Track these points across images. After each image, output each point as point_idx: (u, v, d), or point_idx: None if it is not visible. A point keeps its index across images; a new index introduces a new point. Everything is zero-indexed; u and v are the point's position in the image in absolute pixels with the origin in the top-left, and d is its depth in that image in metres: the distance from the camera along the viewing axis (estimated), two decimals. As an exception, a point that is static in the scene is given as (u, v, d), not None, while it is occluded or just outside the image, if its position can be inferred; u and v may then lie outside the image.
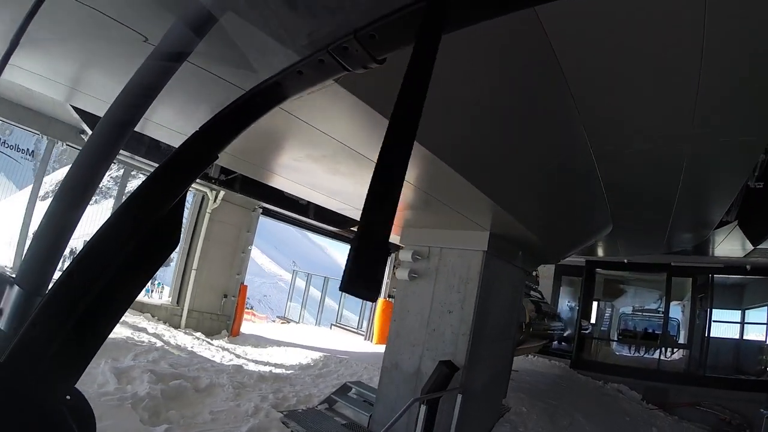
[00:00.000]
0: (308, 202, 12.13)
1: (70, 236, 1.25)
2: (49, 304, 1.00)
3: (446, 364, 7.15)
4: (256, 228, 15.06)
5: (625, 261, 15.69)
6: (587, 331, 16.82)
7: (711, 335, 14.57)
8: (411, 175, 4.82)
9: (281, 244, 71.89)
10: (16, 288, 1.17)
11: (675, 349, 15.55)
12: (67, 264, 1.08)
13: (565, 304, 18.47)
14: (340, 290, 0.72)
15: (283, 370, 10.33)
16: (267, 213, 15.06)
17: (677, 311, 16.63)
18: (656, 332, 16.05)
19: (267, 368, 10.16)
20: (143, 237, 1.10)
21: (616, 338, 17.02)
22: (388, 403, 7.84)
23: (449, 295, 7.89)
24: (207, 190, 13.20)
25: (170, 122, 4.53)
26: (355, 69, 1.07)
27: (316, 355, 12.57)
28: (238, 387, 8.20)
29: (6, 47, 1.39)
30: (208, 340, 12.14)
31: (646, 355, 15.82)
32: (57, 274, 1.14)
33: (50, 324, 0.98)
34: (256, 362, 10.75)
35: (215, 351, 10.97)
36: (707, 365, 14.34)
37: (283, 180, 6.60)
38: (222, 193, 13.19)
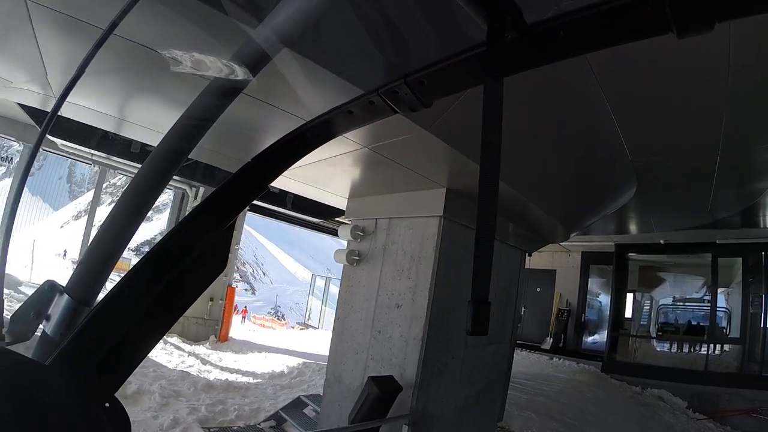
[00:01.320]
0: (284, 192, 11.28)
1: (122, 252, 1.28)
2: (98, 315, 1.03)
3: (381, 382, 5.02)
4: (243, 226, 14.68)
5: (662, 242, 13.28)
6: (620, 329, 14.31)
7: (768, 326, 11.99)
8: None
9: (317, 251, 71.33)
10: (65, 297, 1.18)
11: (725, 345, 12.86)
12: (116, 278, 1.13)
13: (595, 298, 16.00)
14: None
15: (248, 379, 9.42)
16: (255, 210, 13.94)
17: (727, 300, 13.97)
18: (702, 325, 13.47)
19: (226, 376, 9.26)
20: (194, 257, 1.15)
21: (654, 335, 14.39)
22: (333, 425, 6.13)
23: (397, 283, 5.86)
24: (186, 187, 12.51)
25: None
26: (403, 111, 1.12)
27: (297, 361, 11.45)
28: (169, 396, 7.30)
29: (66, 83, 1.56)
30: (179, 344, 11.24)
31: (691, 353, 13.23)
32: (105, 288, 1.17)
33: (97, 334, 1.01)
34: (222, 369, 9.89)
35: (178, 356, 10.09)
36: (765, 362, 11.69)
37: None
38: (202, 189, 12.40)
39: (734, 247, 12.47)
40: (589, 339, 15.54)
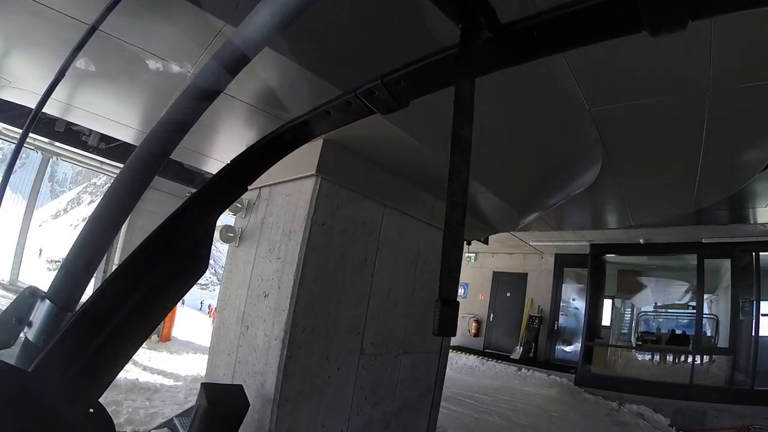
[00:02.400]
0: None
1: (102, 257, 1.24)
2: (79, 320, 1.02)
3: (216, 393, 3.50)
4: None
5: (642, 241, 11.77)
6: (596, 338, 12.74)
7: (760, 335, 10.41)
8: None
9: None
10: (47, 302, 1.15)
11: (713, 356, 11.26)
12: (97, 283, 1.17)
13: (570, 304, 14.43)
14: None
15: (166, 380, 8.41)
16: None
17: (715, 306, 12.41)
18: (687, 334, 11.90)
19: (140, 376, 8.16)
20: (174, 261, 1.14)
21: (634, 345, 12.77)
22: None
23: (267, 265, 4.42)
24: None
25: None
26: (381, 112, 1.11)
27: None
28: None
29: (50, 81, 1.52)
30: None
31: (674, 365, 11.65)
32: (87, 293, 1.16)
33: (79, 339, 1.00)
34: (144, 369, 8.96)
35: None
36: (757, 375, 10.16)
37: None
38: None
39: (722, 247, 10.99)
40: (563, 348, 13.95)
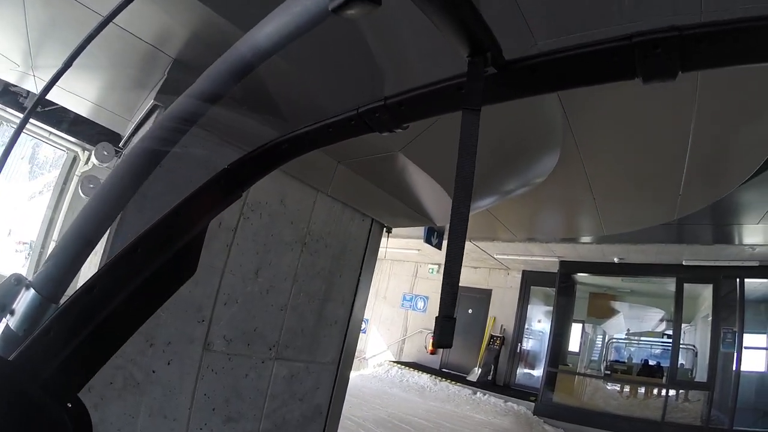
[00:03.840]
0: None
1: (92, 251, 1.17)
2: (65, 313, 1.02)
3: None
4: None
5: (616, 260, 10.46)
6: (561, 365, 11.33)
7: (742, 369, 9.10)
8: None
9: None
10: (32, 292, 1.09)
11: (689, 390, 9.86)
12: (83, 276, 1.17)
13: (536, 326, 13.02)
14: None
15: None
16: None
17: (693, 335, 11.03)
18: (661, 365, 10.54)
19: None
20: (163, 262, 1.14)
21: (602, 374, 11.32)
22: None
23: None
24: (79, 149, 9.42)
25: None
26: (379, 131, 1.12)
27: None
28: None
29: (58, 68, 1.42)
30: None
31: (646, 399, 10.25)
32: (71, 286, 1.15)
33: (63, 333, 0.99)
34: None
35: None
36: (737, 412, 8.90)
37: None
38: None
39: (704, 270, 9.71)
40: (525, 373, 12.52)
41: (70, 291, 1.08)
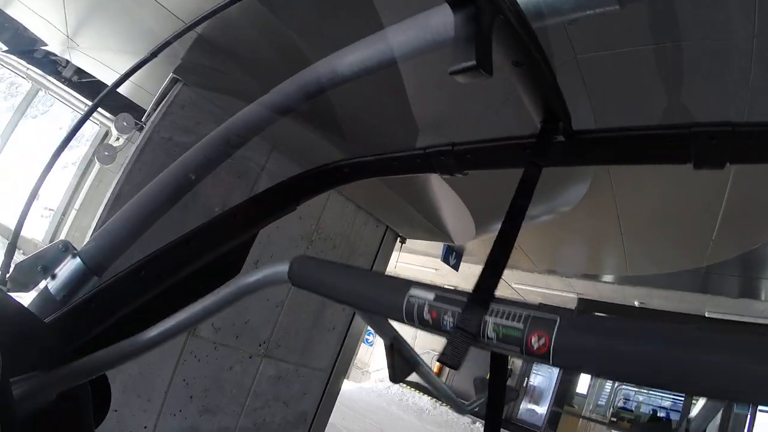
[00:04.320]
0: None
1: (144, 232, 1.21)
2: (110, 288, 1.04)
3: None
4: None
5: (636, 304, 10.03)
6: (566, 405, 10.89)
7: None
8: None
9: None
10: (77, 260, 1.10)
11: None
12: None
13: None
14: None
15: None
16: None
17: None
18: (670, 418, 10.07)
19: None
20: (211, 259, 1.17)
21: (607, 420, 10.83)
22: None
23: None
24: (111, 124, 9.55)
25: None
26: (442, 173, 1.16)
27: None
28: None
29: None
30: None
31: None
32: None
33: (103, 307, 1.02)
34: None
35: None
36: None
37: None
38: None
39: (726, 322, 9.25)
40: (528, 409, 12.07)
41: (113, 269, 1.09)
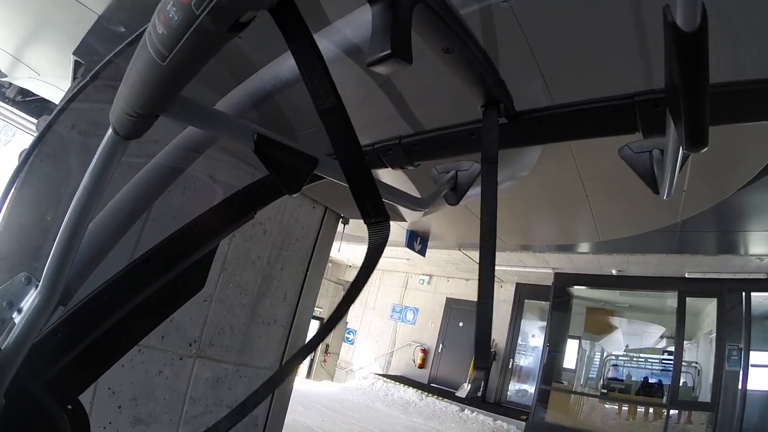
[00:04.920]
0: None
1: (104, 257, 1.21)
2: (74, 317, 1.05)
3: None
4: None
5: (614, 272, 9.77)
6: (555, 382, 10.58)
7: (748, 388, 8.28)
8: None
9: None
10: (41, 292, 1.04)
11: (692, 411, 9.09)
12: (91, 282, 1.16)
13: (530, 342, 12.25)
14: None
15: None
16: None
17: (695, 352, 10.19)
18: (661, 384, 9.80)
19: None
20: (173, 276, 1.17)
21: (599, 392, 10.53)
22: None
23: None
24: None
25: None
26: (392, 167, 1.23)
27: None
28: None
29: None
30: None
31: (646, 420, 9.50)
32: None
33: (70, 336, 1.03)
34: None
35: None
36: (743, 436, 7.99)
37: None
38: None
39: (707, 284, 8.99)
40: (517, 390, 11.75)
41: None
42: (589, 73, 2.53)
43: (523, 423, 9.77)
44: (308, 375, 14.85)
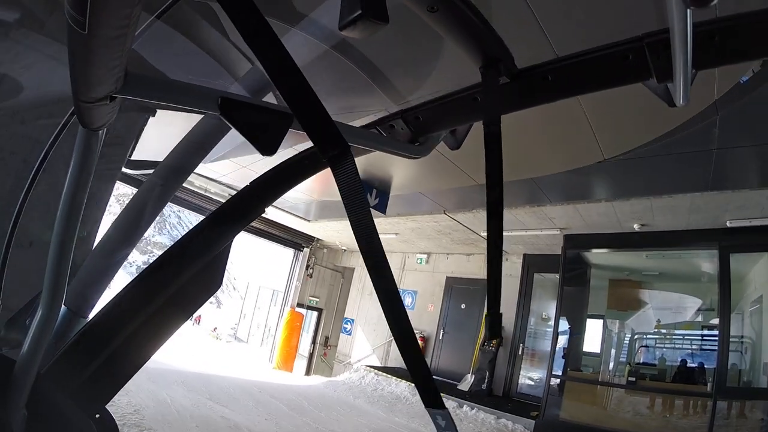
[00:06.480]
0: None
1: (120, 267, 1.27)
2: (94, 327, 1.07)
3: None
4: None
5: (636, 227, 7.73)
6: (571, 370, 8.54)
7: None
8: None
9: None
10: (62, 307, 1.09)
11: (744, 401, 6.97)
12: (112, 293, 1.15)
13: (543, 321, 10.20)
14: None
15: None
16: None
17: (741, 326, 7.92)
18: (704, 367, 7.70)
19: None
20: (189, 277, 1.15)
21: (625, 382, 8.42)
22: None
23: None
24: None
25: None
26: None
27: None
28: None
29: None
30: None
31: (686, 413, 7.42)
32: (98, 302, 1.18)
33: (92, 346, 1.03)
34: None
35: None
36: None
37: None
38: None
39: (755, 232, 6.89)
40: (528, 380, 9.74)
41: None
42: (590, 19, 2.41)
43: (533, 422, 7.80)
44: (307, 371, 13.41)
